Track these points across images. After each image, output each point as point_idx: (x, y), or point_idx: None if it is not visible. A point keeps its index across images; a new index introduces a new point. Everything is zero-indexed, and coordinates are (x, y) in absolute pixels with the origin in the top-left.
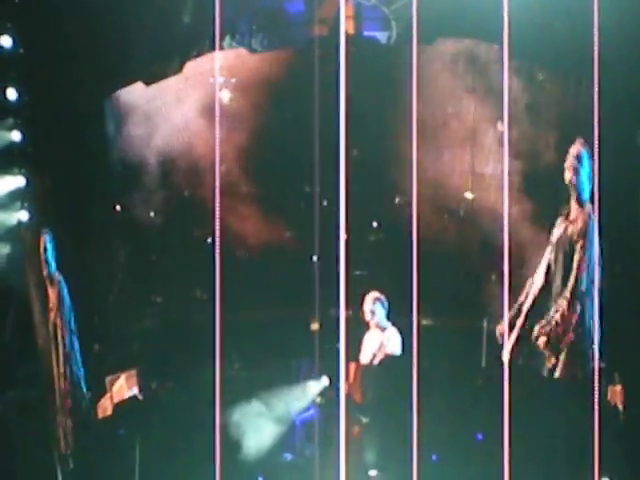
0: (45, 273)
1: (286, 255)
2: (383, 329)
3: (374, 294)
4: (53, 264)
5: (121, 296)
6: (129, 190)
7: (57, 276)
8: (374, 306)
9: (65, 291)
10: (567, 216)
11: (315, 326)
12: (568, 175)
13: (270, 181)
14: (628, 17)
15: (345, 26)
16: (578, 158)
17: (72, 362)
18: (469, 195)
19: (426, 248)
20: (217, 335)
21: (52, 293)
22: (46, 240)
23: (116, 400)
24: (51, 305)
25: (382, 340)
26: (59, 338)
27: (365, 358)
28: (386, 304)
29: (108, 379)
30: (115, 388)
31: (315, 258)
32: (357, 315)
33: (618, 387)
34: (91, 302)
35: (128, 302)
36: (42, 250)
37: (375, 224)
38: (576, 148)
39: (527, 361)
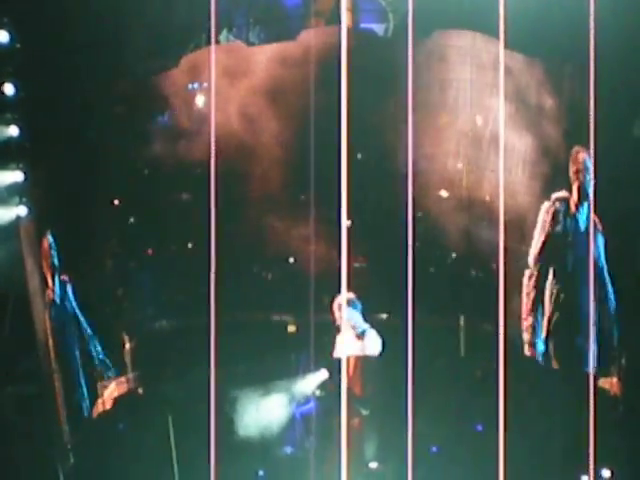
0: (49, 272)
1: (264, 257)
2: (361, 334)
3: (341, 297)
4: (57, 262)
5: (118, 292)
6: (127, 185)
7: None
8: (345, 312)
9: (70, 292)
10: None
11: (292, 328)
12: (575, 180)
13: (263, 181)
14: (623, 8)
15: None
16: (585, 165)
17: (71, 357)
18: (464, 189)
19: (420, 244)
20: (212, 333)
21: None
22: (50, 240)
23: (107, 406)
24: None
25: (360, 348)
26: (60, 334)
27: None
28: (358, 304)
29: (100, 385)
30: (106, 394)
31: (292, 260)
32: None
33: (614, 379)
34: (86, 298)
35: (123, 299)
36: (47, 247)
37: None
38: (581, 156)
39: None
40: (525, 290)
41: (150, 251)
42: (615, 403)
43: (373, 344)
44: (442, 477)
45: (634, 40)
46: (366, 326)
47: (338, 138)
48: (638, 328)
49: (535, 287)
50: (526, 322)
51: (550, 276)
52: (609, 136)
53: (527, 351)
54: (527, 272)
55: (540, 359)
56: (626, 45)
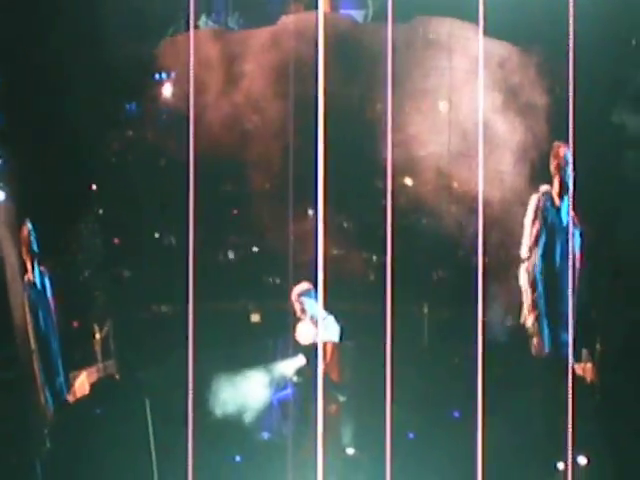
0: (29, 258)
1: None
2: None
3: (298, 289)
4: (36, 249)
5: (95, 278)
6: (105, 170)
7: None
8: (302, 304)
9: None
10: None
11: (256, 317)
12: (556, 174)
13: (236, 170)
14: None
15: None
16: (565, 159)
17: (49, 345)
18: (446, 176)
19: (400, 231)
20: (190, 320)
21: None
22: (29, 227)
23: (78, 395)
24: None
25: (317, 334)
26: (38, 321)
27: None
28: (314, 292)
29: (71, 375)
30: (77, 384)
31: (255, 248)
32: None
33: (589, 364)
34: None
35: (100, 286)
36: (26, 234)
37: (310, 211)
38: (562, 150)
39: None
40: (523, 285)
41: (126, 240)
42: (592, 391)
43: (331, 330)
44: (419, 463)
45: (614, 29)
46: (324, 314)
47: (315, 126)
48: (614, 319)
49: (533, 281)
50: (530, 317)
51: (542, 268)
52: (588, 127)
53: (534, 346)
54: (522, 266)
55: (547, 351)
56: (606, 35)
